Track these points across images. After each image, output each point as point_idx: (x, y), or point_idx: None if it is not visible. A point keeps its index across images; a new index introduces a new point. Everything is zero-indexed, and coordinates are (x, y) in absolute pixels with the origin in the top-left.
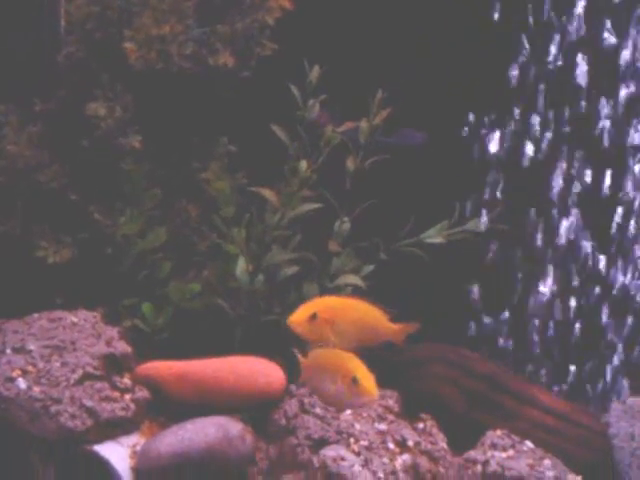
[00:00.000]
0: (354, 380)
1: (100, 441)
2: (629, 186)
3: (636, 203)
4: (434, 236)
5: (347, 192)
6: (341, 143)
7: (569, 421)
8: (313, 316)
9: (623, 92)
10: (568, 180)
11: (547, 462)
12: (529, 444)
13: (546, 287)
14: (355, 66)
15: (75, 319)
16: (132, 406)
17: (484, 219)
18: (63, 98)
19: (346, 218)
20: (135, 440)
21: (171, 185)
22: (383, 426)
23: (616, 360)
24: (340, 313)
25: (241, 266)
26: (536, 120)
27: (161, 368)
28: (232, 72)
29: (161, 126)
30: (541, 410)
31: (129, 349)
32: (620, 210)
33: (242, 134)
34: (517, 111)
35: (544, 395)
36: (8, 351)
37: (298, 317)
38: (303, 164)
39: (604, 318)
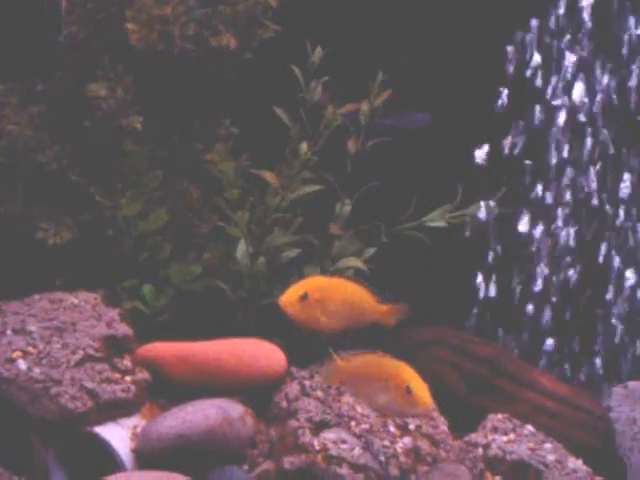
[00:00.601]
0: (408, 390)
1: (100, 423)
2: None
3: None
4: (436, 219)
5: (348, 174)
6: (342, 125)
7: (570, 405)
8: (304, 296)
9: None
10: None
11: (548, 446)
12: (530, 428)
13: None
14: (357, 47)
15: (76, 300)
16: (133, 388)
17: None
18: (64, 78)
19: (347, 200)
20: (136, 422)
21: (172, 166)
22: None
23: None
24: (330, 293)
25: (241, 249)
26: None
27: (161, 350)
28: (234, 53)
29: (162, 107)
30: (542, 394)
31: (130, 331)
32: None
33: (244, 116)
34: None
35: (545, 379)
36: (8, 332)
37: (289, 297)
38: (304, 146)
39: None
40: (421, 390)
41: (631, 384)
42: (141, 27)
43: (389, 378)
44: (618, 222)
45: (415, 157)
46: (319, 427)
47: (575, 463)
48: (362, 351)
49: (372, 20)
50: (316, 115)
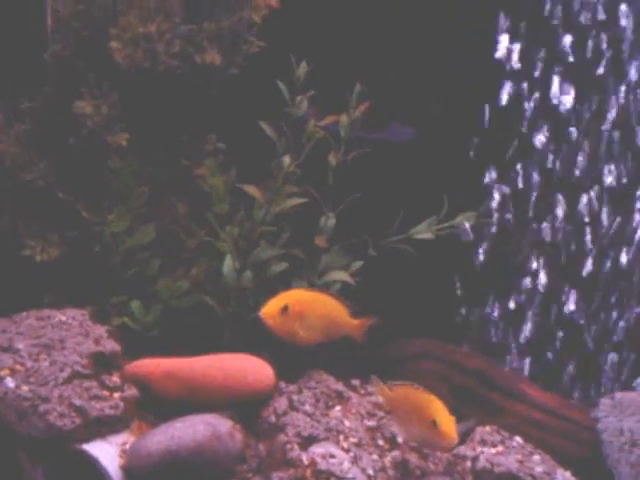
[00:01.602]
0: (434, 423)
1: (89, 440)
2: None
3: None
4: (423, 231)
5: (331, 187)
6: (326, 138)
7: (558, 416)
8: (284, 309)
9: None
10: None
11: (536, 457)
12: (518, 440)
13: None
14: (342, 61)
15: (63, 317)
16: (121, 404)
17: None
18: (50, 96)
19: (331, 214)
20: (124, 439)
21: (159, 182)
22: (372, 423)
23: None
24: (309, 307)
25: (228, 264)
26: None
27: (149, 366)
28: (219, 70)
29: (148, 124)
30: (530, 405)
31: (118, 347)
32: None
33: (230, 131)
34: None
35: (533, 390)
36: None
37: (270, 309)
38: (286, 159)
39: None
40: (446, 424)
41: (618, 395)
42: (125, 45)
43: (420, 410)
44: None
45: (400, 170)
46: (308, 442)
47: (563, 475)
48: (401, 383)
49: (356, 34)
50: (302, 130)
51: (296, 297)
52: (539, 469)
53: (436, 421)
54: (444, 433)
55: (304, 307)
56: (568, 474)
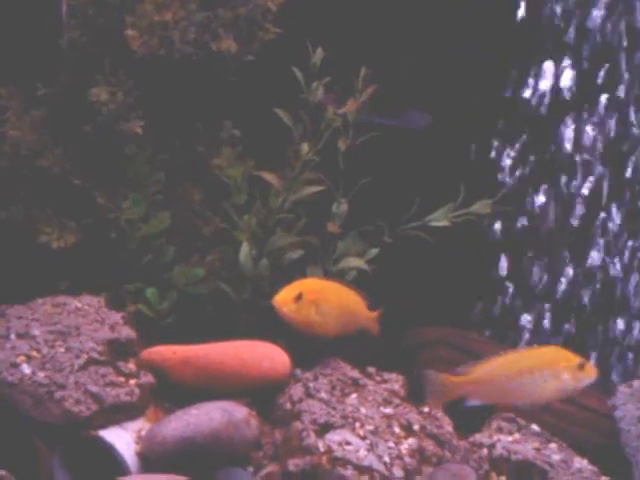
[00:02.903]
0: (580, 365)
1: (105, 426)
2: None
3: None
4: (439, 219)
5: (341, 173)
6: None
7: (575, 404)
8: (299, 296)
9: None
10: None
11: (553, 445)
12: (535, 427)
13: None
14: (357, 48)
15: (79, 304)
16: (137, 391)
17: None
18: (66, 83)
19: (343, 199)
20: (140, 425)
21: (174, 169)
22: (389, 410)
23: None
24: (324, 295)
25: (244, 251)
26: None
27: (165, 353)
28: (235, 57)
29: (164, 111)
30: None
31: (133, 334)
32: None
33: (246, 118)
34: None
35: None
36: (12, 336)
37: (284, 297)
38: (305, 147)
39: None
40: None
41: (636, 383)
42: (141, 33)
43: (552, 364)
44: None
45: (417, 156)
46: (323, 429)
47: (580, 463)
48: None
49: (371, 21)
50: (318, 116)
51: (311, 285)
52: (556, 457)
53: (583, 363)
54: (590, 370)
55: (319, 295)
56: (585, 462)
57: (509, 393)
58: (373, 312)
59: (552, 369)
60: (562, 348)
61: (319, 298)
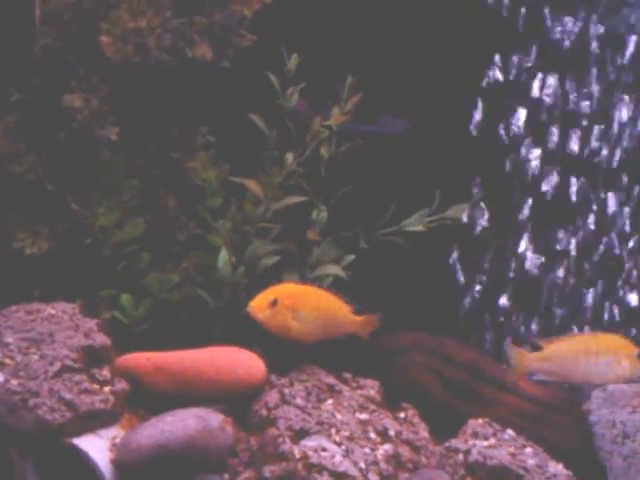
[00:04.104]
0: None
1: (79, 434)
2: None
3: None
4: (415, 224)
5: (323, 180)
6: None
7: (550, 408)
8: (274, 302)
9: None
10: None
11: (528, 450)
12: (510, 432)
13: None
14: (333, 54)
15: (53, 311)
16: (111, 398)
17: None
18: (39, 89)
19: (323, 207)
20: (115, 432)
21: (149, 176)
22: (364, 416)
23: None
24: (301, 300)
25: (223, 258)
26: None
27: (140, 360)
28: (210, 64)
29: (139, 117)
30: (522, 398)
31: (108, 341)
32: None
33: (222, 124)
34: None
35: (525, 382)
36: None
37: (259, 303)
38: (289, 157)
39: None
40: None
41: (610, 387)
42: (116, 40)
43: (616, 350)
44: None
45: (392, 162)
46: (299, 435)
47: (555, 467)
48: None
49: (348, 27)
50: (293, 122)
51: (286, 290)
52: (531, 462)
53: None
54: None
55: (296, 300)
56: (560, 467)
57: (574, 372)
58: (359, 317)
59: (615, 354)
60: (624, 337)
61: (296, 303)
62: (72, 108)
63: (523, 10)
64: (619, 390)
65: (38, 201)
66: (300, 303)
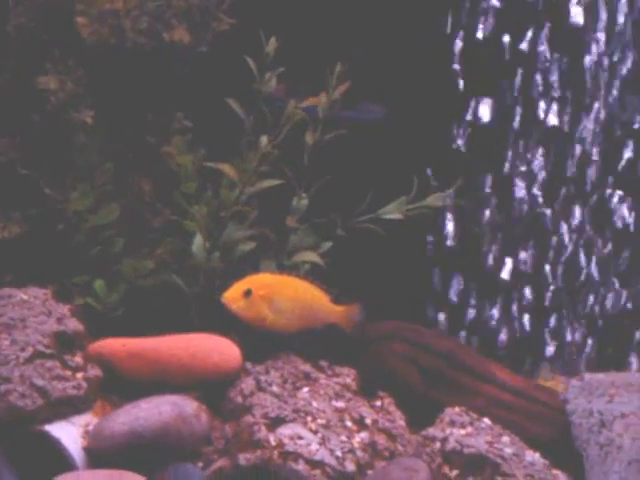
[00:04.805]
0: None
1: (51, 421)
2: None
3: None
4: (392, 212)
5: (305, 167)
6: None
7: (527, 398)
8: (247, 292)
9: None
10: None
11: (505, 439)
12: (487, 421)
13: None
14: (312, 38)
15: (25, 296)
16: (84, 385)
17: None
18: (13, 70)
19: (304, 194)
20: (87, 419)
21: (124, 160)
22: (341, 404)
23: None
24: (277, 290)
25: (198, 243)
26: None
27: (114, 346)
28: (188, 47)
29: (114, 101)
30: (499, 387)
31: (81, 327)
32: None
33: (198, 109)
34: None
35: (502, 372)
36: None
37: (232, 294)
38: (264, 139)
39: None
40: None
41: (587, 376)
42: (92, 21)
43: None
44: None
45: (371, 149)
46: (275, 423)
47: (532, 456)
48: None
49: (326, 10)
50: (271, 107)
51: (261, 280)
52: (508, 450)
53: None
54: None
55: (271, 290)
56: (537, 455)
57: None
58: (339, 306)
59: None
60: None
61: (271, 293)
62: (47, 90)
63: None
64: (596, 379)
65: (10, 185)
66: (275, 293)
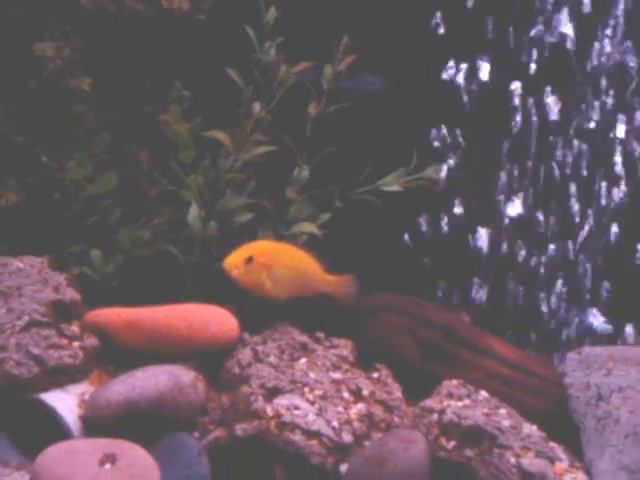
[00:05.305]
0: None
1: (47, 389)
2: None
3: None
4: (391, 184)
5: (307, 139)
6: (302, 89)
7: (524, 371)
8: (249, 259)
9: None
10: None
11: (502, 411)
12: (484, 394)
13: None
14: (313, 9)
15: (21, 265)
16: (80, 354)
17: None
18: (9, 37)
19: (305, 166)
20: (83, 388)
21: (122, 129)
22: (338, 375)
23: None
24: (277, 258)
25: (193, 212)
26: None
27: (110, 315)
28: (186, 15)
29: (112, 69)
30: (496, 360)
31: (78, 296)
32: None
33: (197, 78)
34: None
35: (500, 345)
36: None
37: (234, 260)
38: (256, 106)
39: None
40: None
41: (585, 349)
42: None
43: None
44: None
45: (371, 121)
46: (272, 393)
47: (530, 428)
48: None
49: None
50: (270, 76)
51: (262, 248)
52: (506, 423)
53: None
54: None
55: (271, 258)
56: (534, 428)
57: None
58: (335, 277)
59: None
60: None
61: (271, 261)
62: (44, 57)
63: None
64: (594, 353)
65: (7, 153)
66: (275, 261)
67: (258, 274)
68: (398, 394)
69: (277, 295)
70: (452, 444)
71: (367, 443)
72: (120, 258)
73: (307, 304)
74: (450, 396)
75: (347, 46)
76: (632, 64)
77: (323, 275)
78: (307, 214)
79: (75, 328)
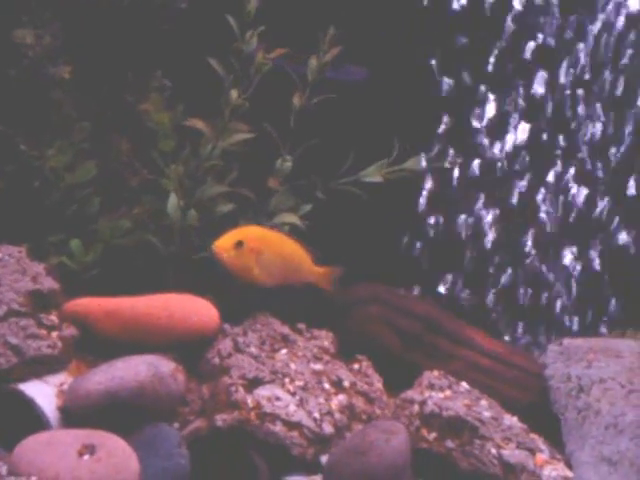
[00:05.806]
0: None
1: (25, 379)
2: None
3: None
4: (373, 174)
5: (291, 130)
6: (285, 79)
7: (505, 362)
8: (239, 243)
9: None
10: None
11: (483, 403)
12: (465, 385)
13: None
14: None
15: None
16: (59, 344)
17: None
18: None
19: (288, 156)
20: (62, 379)
21: (102, 118)
22: (319, 366)
23: None
24: (267, 244)
25: (172, 202)
26: None
27: (90, 305)
28: (168, 3)
29: (93, 56)
30: (477, 351)
31: (56, 285)
32: None
33: (178, 67)
34: None
35: (480, 337)
36: None
37: (224, 243)
38: (233, 93)
39: None
40: None
41: (566, 341)
42: None
43: None
44: None
45: (353, 112)
46: (253, 384)
47: (510, 420)
48: None
49: None
50: (250, 64)
51: (253, 233)
52: (487, 414)
53: None
54: None
55: (260, 244)
56: (515, 419)
57: None
58: (322, 268)
59: None
60: None
61: (261, 246)
62: (23, 44)
63: None
64: (574, 345)
65: None
66: (265, 247)
67: (247, 259)
68: (379, 385)
69: (264, 281)
70: (433, 435)
71: (348, 434)
72: (100, 248)
73: (290, 294)
74: (431, 387)
75: (333, 37)
76: None
77: (311, 265)
78: (289, 205)
79: (54, 318)
